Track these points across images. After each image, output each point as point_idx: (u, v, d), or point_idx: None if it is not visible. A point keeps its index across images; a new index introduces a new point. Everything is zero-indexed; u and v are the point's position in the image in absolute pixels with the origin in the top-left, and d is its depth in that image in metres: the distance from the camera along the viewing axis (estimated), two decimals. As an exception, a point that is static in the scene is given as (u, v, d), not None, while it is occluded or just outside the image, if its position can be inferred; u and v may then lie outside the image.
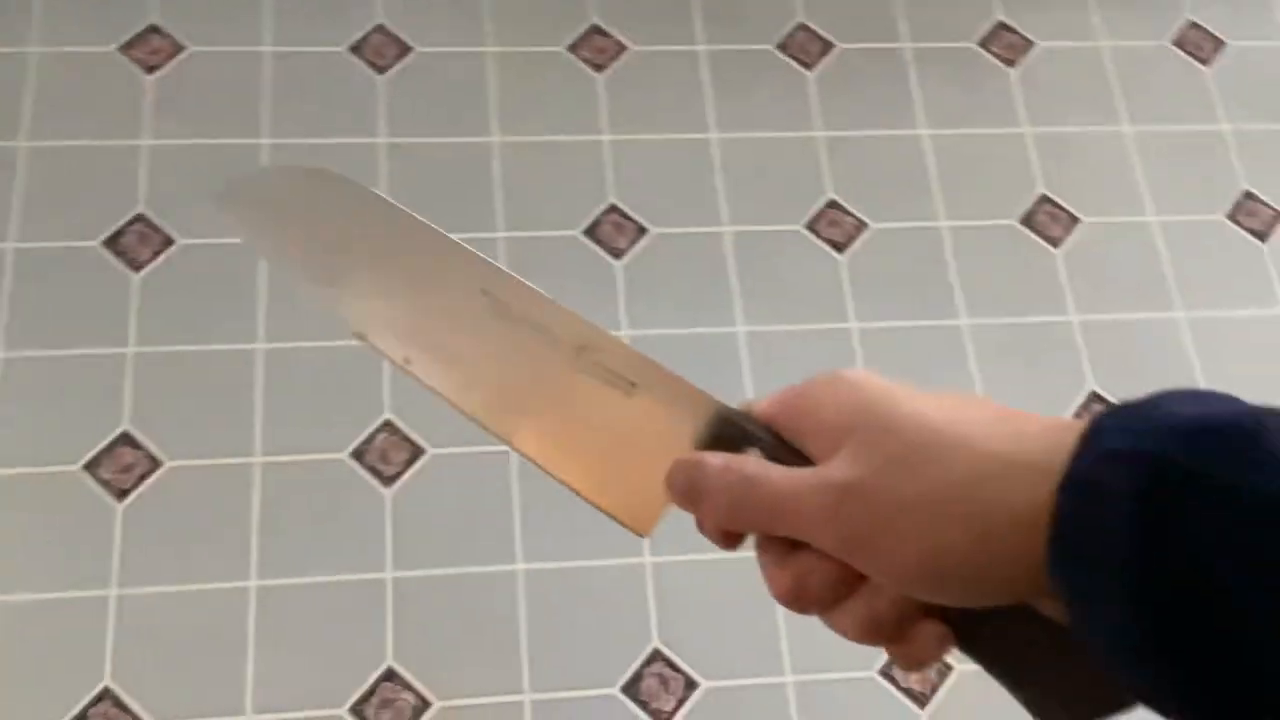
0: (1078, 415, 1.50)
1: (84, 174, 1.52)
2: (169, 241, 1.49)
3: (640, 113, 1.65)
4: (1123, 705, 0.37)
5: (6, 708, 1.25)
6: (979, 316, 1.57)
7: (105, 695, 1.26)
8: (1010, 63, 1.77)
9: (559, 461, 0.45)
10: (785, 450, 0.41)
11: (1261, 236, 1.68)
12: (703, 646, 1.35)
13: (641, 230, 1.57)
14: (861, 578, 0.39)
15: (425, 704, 1.29)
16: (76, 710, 1.25)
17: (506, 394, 0.47)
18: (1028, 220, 1.65)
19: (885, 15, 1.78)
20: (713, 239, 1.58)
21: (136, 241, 1.48)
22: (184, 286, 1.47)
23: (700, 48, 1.71)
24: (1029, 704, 0.40)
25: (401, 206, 0.48)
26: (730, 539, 0.42)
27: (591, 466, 0.45)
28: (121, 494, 1.35)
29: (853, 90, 1.71)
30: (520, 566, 1.36)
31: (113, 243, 1.48)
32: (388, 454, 1.40)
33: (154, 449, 1.38)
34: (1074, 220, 1.66)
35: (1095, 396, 1.54)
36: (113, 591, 1.30)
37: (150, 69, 1.60)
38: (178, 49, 1.61)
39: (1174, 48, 1.82)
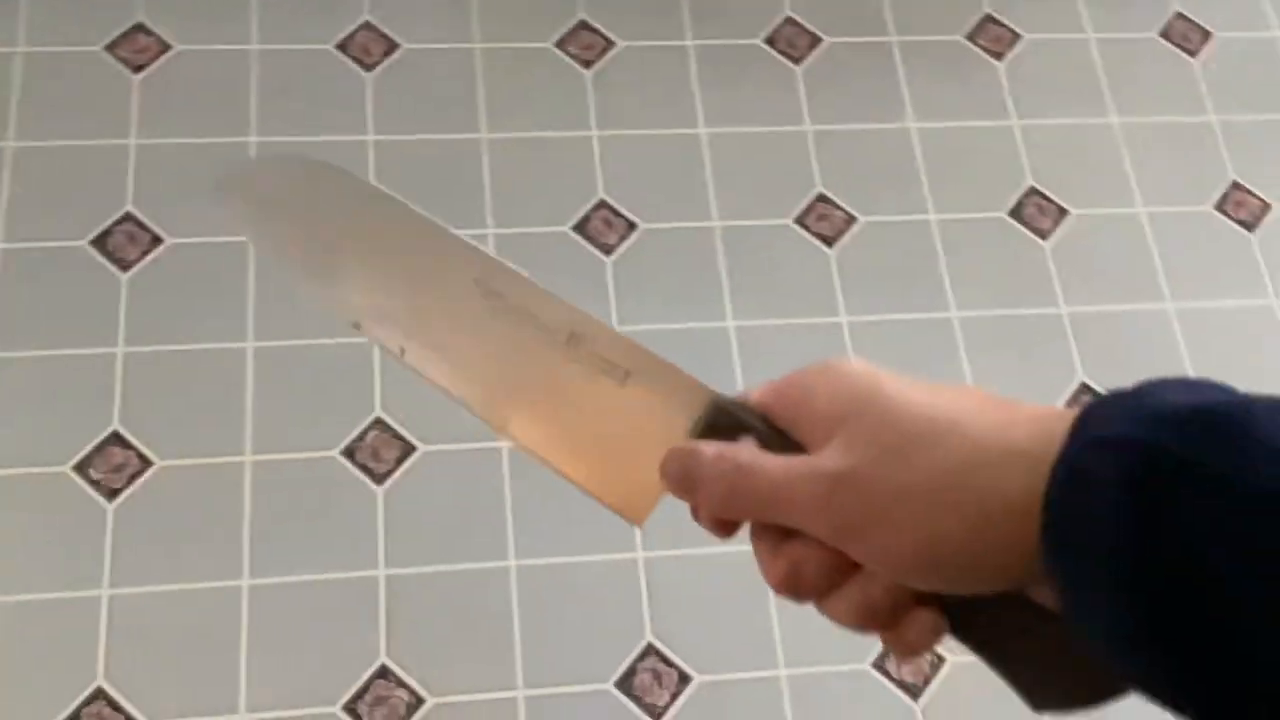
0: (1068, 406, 1.50)
1: (71, 173, 1.51)
2: (158, 241, 1.48)
3: (629, 108, 1.65)
4: (1116, 693, 0.37)
5: (-1, 709, 1.25)
6: (969, 309, 1.57)
7: (98, 695, 1.26)
8: (998, 55, 1.77)
9: (554, 451, 0.45)
10: (779, 439, 0.41)
11: (1249, 227, 1.69)
12: (696, 641, 1.35)
13: (631, 226, 1.57)
14: (856, 565, 0.39)
15: (419, 701, 1.29)
16: (69, 710, 1.25)
17: (501, 383, 0.47)
18: (1016, 212, 1.66)
19: (872, 8, 1.78)
20: (702, 234, 1.58)
21: (125, 241, 1.48)
22: (173, 286, 1.46)
23: (688, 42, 1.71)
24: (1023, 691, 0.40)
25: (397, 196, 0.48)
26: (724, 527, 0.43)
27: (586, 455, 0.45)
28: (112, 494, 1.35)
29: (841, 84, 1.71)
30: (513, 563, 1.36)
31: (101, 242, 1.47)
32: (379, 451, 1.40)
33: (144, 449, 1.37)
34: (1063, 212, 1.66)
35: (1085, 388, 1.54)
36: (104, 591, 1.30)
37: (137, 68, 1.59)
38: (165, 47, 1.61)
39: (1161, 39, 1.82)
